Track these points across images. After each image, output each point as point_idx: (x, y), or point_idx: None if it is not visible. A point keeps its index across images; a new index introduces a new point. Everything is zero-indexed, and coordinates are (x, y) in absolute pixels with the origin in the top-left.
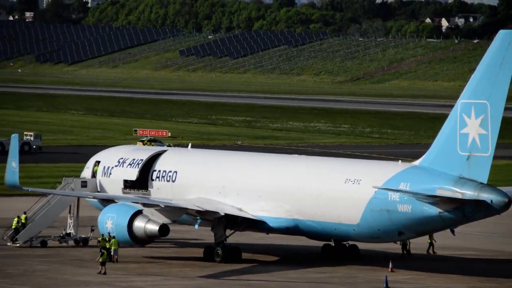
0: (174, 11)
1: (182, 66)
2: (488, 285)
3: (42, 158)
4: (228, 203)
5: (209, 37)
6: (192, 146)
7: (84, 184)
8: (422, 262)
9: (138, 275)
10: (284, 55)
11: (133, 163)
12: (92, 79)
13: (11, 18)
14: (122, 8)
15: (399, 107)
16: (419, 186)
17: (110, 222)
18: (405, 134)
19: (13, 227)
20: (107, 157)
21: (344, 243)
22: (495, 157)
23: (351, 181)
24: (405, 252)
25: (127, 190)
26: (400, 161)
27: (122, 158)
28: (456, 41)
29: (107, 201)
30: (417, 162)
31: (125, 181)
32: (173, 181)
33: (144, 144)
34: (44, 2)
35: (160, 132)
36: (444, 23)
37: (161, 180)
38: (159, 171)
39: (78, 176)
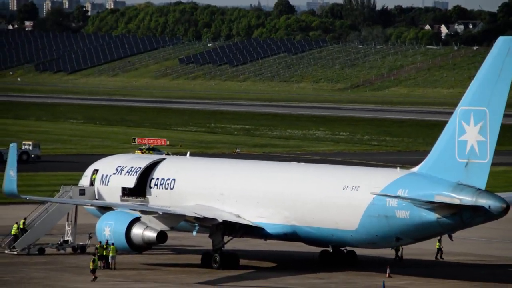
0: (174, 19)
1: (182, 74)
2: None
3: (41, 167)
4: (226, 210)
5: (209, 45)
6: (191, 155)
7: (82, 192)
8: (419, 267)
9: (136, 282)
10: (283, 63)
11: (131, 171)
12: (91, 88)
13: (10, 27)
14: (122, 17)
15: (398, 114)
16: (417, 192)
17: (108, 229)
18: (403, 141)
19: (12, 233)
20: (105, 165)
21: (342, 249)
22: (493, 164)
23: (349, 187)
24: (397, 257)
25: (125, 198)
26: (398, 168)
27: (120, 166)
28: (455, 48)
29: (105, 209)
30: (415, 169)
31: (123, 189)
32: (171, 189)
33: (142, 153)
34: (44, 11)
35: (158, 141)
36: (444, 30)
37: (160, 188)
38: (157, 178)
39: (77, 184)
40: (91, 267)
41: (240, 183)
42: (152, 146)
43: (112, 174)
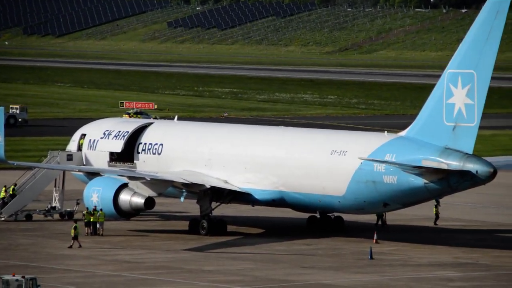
0: None
1: (170, 38)
2: (472, 256)
3: (28, 131)
4: (214, 176)
5: (197, 8)
6: (179, 118)
7: (69, 157)
8: (406, 233)
9: (123, 248)
10: (272, 26)
11: (118, 135)
12: (79, 51)
13: None
14: None
15: (386, 77)
16: (405, 157)
17: (96, 195)
18: (391, 105)
19: (0, 196)
20: (93, 130)
21: (330, 214)
22: (480, 127)
23: (337, 152)
24: (380, 222)
25: (113, 163)
26: (386, 132)
27: (107, 131)
28: (444, 10)
29: (93, 174)
30: (403, 133)
31: (111, 154)
32: (159, 154)
33: (130, 117)
34: None
35: (146, 105)
36: None
37: (147, 153)
38: (145, 143)
39: (64, 150)
40: (72, 234)
41: (227, 148)
42: (139, 110)
43: (99, 138)
